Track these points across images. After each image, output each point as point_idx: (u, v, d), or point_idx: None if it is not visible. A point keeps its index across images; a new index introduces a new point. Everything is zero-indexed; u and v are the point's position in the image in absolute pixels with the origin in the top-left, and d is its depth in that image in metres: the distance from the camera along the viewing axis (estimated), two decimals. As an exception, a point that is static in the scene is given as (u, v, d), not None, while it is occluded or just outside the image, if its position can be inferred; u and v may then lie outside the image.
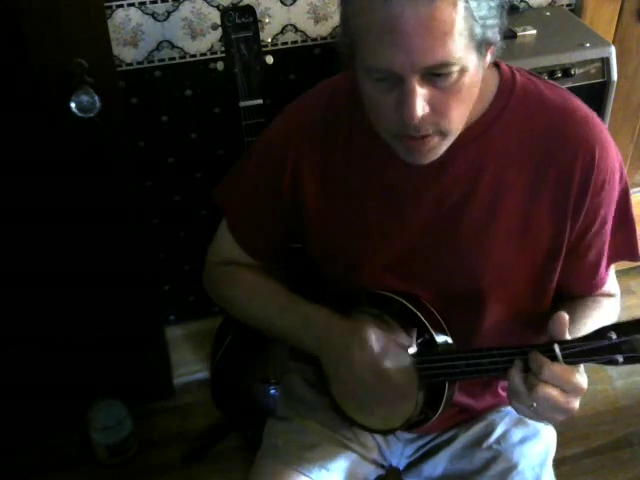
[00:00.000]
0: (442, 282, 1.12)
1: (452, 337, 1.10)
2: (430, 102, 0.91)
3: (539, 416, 0.98)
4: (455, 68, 0.89)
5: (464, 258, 1.10)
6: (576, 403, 0.96)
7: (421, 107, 0.91)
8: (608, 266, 1.18)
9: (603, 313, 1.16)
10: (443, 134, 0.96)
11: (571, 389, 0.94)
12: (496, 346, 1.02)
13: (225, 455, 2.02)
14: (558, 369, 0.93)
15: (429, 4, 0.84)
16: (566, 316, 0.96)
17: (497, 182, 1.05)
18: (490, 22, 0.90)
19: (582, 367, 0.96)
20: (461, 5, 0.86)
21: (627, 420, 2.11)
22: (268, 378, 1.83)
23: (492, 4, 0.90)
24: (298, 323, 1.16)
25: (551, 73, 1.75)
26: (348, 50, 0.95)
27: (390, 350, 1.07)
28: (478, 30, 0.89)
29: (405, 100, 0.90)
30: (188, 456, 2.02)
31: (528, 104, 1.06)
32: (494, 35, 0.92)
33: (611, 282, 1.21)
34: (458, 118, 0.96)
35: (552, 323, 0.96)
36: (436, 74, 0.89)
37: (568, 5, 2.04)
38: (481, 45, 0.91)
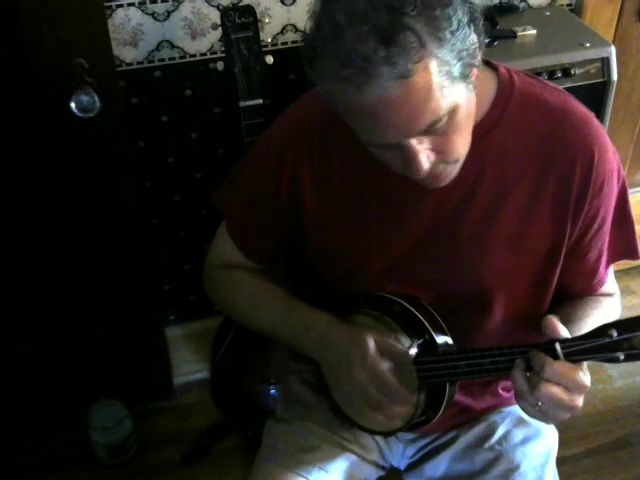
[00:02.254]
0: (442, 285, 1.12)
1: (453, 339, 1.10)
2: (433, 148, 0.92)
3: (545, 415, 0.98)
4: (445, 117, 0.89)
5: (464, 261, 1.10)
6: (580, 400, 0.96)
7: (426, 160, 0.92)
8: (608, 266, 1.18)
9: (604, 312, 1.16)
10: (454, 162, 0.97)
11: (574, 386, 0.94)
12: (497, 346, 1.01)
13: (225, 455, 2.02)
14: (560, 367, 0.93)
15: (399, 84, 0.84)
16: (554, 318, 0.96)
17: (497, 185, 1.05)
18: (466, 51, 0.88)
19: (585, 365, 0.96)
20: (433, 63, 0.84)
21: (627, 420, 2.11)
22: (268, 378, 1.83)
23: (461, 32, 0.86)
24: (298, 328, 1.15)
25: (551, 73, 1.75)
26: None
27: (390, 355, 1.06)
28: (457, 68, 0.87)
29: (409, 160, 0.92)
30: (188, 456, 2.02)
31: (527, 107, 1.05)
32: (473, 57, 0.90)
33: (610, 281, 1.21)
34: (463, 145, 0.96)
35: (544, 328, 0.96)
36: (430, 130, 0.90)
37: (568, 5, 2.04)
38: (464, 74, 0.89)
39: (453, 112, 0.90)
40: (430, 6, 0.83)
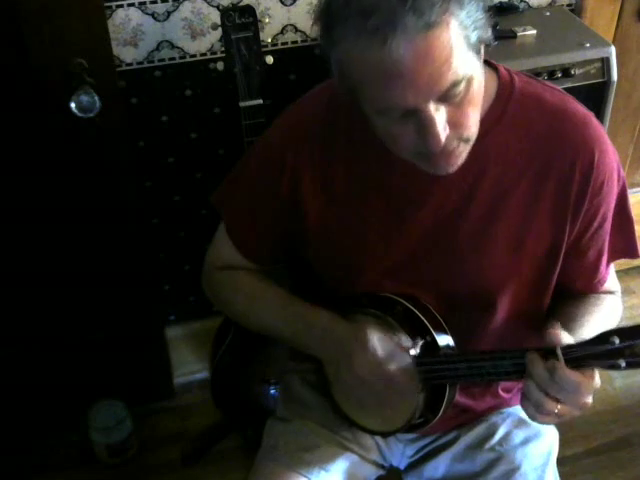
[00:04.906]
0: (443, 285, 1.12)
1: (454, 339, 1.10)
2: (449, 120, 0.92)
3: (551, 409, 0.94)
4: (463, 82, 0.89)
5: (464, 261, 1.10)
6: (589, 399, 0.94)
7: (443, 130, 0.91)
8: (608, 264, 1.18)
9: (605, 310, 1.16)
10: (466, 141, 0.96)
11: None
12: (498, 349, 1.01)
13: (225, 455, 2.02)
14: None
15: (424, 36, 0.84)
16: (559, 330, 0.95)
17: (497, 185, 1.05)
18: (480, 22, 0.90)
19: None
20: (454, 22, 0.85)
21: (627, 420, 2.11)
22: (268, 378, 1.83)
23: (476, 3, 0.89)
24: (300, 327, 1.15)
25: (551, 73, 1.75)
26: (351, 95, 0.95)
27: (391, 351, 1.06)
28: (473, 35, 0.88)
29: (426, 128, 0.91)
30: (188, 456, 2.02)
31: (527, 107, 1.05)
32: (486, 32, 0.92)
33: (611, 279, 1.21)
34: (475, 122, 0.96)
35: (548, 340, 0.94)
36: (448, 95, 0.89)
37: (568, 5, 2.04)
38: (477, 46, 0.91)
39: (469, 82, 0.90)
40: None
